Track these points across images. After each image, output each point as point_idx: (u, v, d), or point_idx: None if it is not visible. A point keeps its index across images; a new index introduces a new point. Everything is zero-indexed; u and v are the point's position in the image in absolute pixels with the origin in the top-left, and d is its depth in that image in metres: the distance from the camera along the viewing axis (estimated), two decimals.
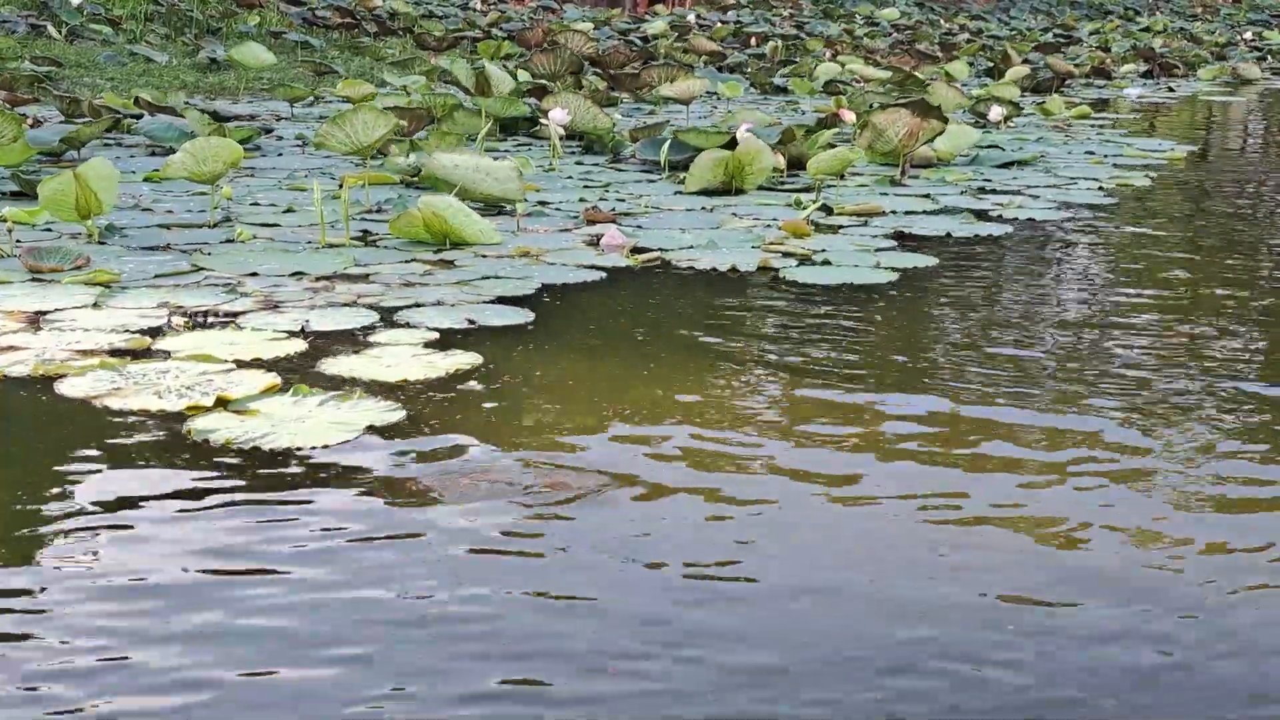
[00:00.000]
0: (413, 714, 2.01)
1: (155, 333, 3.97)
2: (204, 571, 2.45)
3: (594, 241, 5.50)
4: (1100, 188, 7.58)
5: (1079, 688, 2.11)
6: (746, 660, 2.17)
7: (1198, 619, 2.34)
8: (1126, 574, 2.51)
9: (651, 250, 5.35)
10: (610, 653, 2.19)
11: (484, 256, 5.19)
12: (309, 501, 2.77)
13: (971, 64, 16.22)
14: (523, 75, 11.12)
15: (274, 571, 2.45)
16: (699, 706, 2.04)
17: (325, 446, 3.05)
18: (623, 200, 6.59)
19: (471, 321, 4.19)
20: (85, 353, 3.73)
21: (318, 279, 4.75)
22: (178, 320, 4.10)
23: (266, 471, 2.91)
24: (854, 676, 2.13)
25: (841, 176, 7.47)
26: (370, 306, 4.34)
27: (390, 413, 3.26)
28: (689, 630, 2.27)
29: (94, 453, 3.02)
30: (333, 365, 3.68)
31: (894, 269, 5.13)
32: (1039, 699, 2.08)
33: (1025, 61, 16.27)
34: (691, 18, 21.65)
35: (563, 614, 2.32)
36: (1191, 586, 2.46)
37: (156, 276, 4.68)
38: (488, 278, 4.81)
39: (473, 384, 3.54)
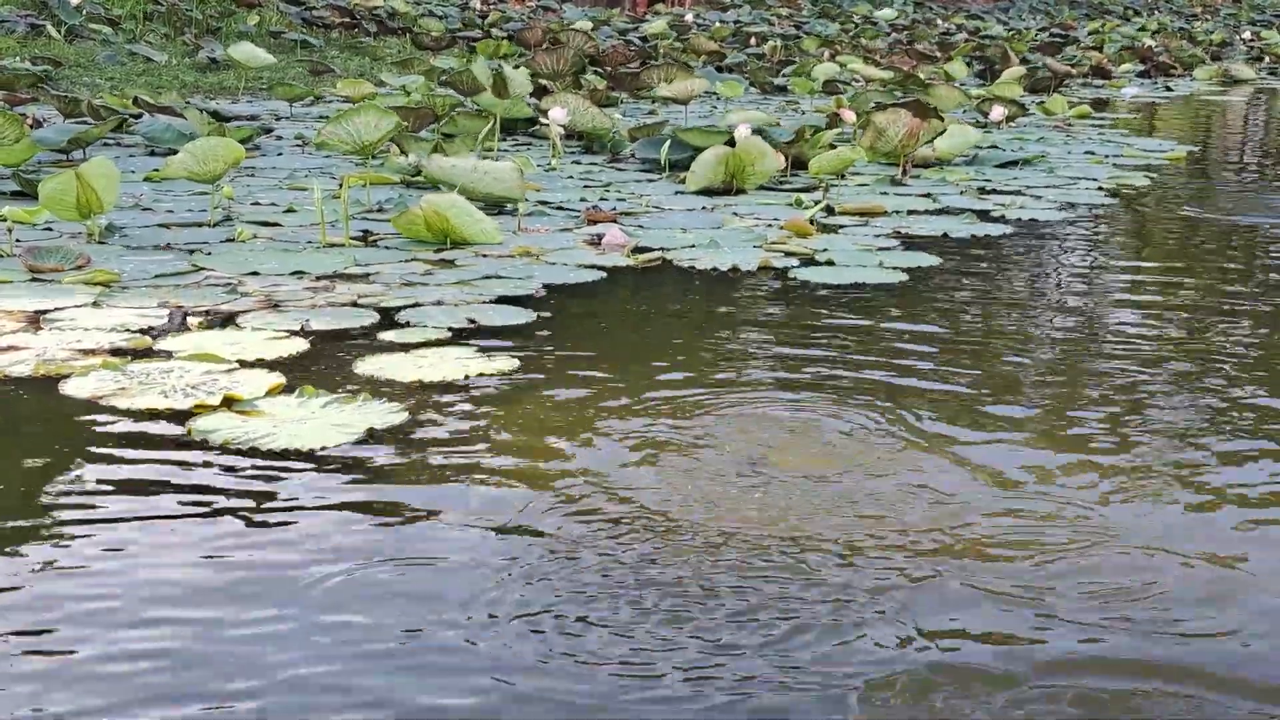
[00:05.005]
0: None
1: (156, 332, 3.96)
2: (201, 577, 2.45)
3: (595, 241, 5.48)
4: (1100, 188, 7.58)
5: None
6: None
7: None
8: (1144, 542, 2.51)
9: (653, 250, 5.35)
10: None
11: (485, 256, 5.18)
12: (302, 503, 2.76)
13: (969, 64, 16.22)
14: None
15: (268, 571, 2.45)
16: None
17: (324, 448, 3.04)
18: (623, 200, 6.59)
19: (473, 321, 4.18)
20: (86, 352, 3.72)
21: (318, 278, 4.74)
22: (193, 320, 4.08)
23: (264, 472, 2.91)
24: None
25: (842, 176, 7.47)
26: (371, 306, 4.34)
27: (392, 415, 3.25)
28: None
29: (100, 452, 3.00)
30: (346, 367, 3.67)
31: (899, 268, 5.12)
32: None
33: (1024, 62, 16.27)
34: (690, 17, 21.66)
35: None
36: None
37: (157, 276, 4.67)
38: (489, 277, 4.80)
39: (480, 385, 3.53)
